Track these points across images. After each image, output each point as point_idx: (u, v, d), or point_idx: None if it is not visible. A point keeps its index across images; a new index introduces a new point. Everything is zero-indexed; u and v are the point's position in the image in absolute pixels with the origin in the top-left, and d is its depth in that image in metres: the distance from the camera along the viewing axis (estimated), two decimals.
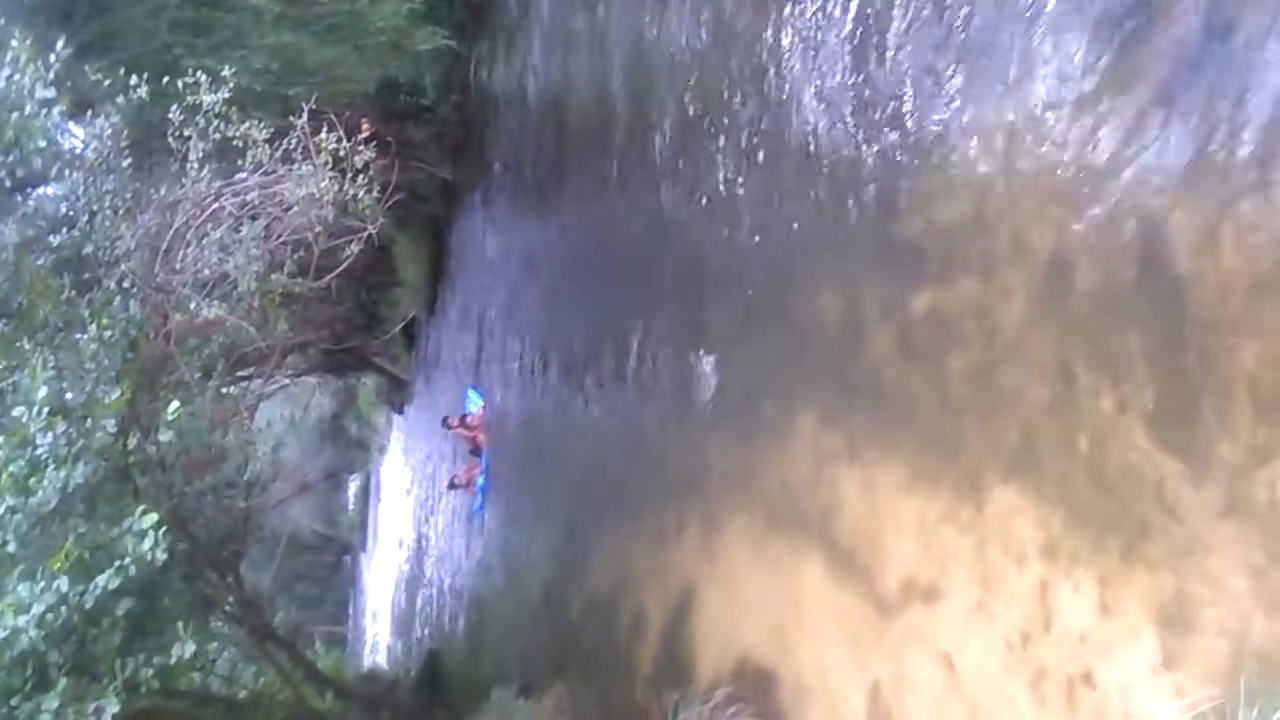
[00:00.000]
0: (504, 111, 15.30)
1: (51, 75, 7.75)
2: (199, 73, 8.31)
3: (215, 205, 8.61)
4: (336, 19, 13.02)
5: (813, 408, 6.20)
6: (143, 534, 6.42)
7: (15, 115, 7.63)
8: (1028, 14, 4.69)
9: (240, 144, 8.62)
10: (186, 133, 8.36)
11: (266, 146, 8.64)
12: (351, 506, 35.25)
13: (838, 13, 6.23)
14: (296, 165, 8.63)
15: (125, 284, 8.06)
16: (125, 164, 8.67)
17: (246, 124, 8.54)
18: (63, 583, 6.15)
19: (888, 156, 5.65)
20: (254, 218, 8.73)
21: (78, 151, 8.90)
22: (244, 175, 8.79)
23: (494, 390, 14.32)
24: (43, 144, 7.89)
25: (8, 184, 8.06)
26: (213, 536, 9.27)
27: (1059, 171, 4.43)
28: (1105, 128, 4.22)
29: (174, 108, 8.34)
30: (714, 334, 7.54)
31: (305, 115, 8.77)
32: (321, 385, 26.34)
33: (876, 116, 5.76)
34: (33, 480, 6.50)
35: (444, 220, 18.66)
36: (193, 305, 8.81)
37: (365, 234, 9.21)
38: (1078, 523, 4.18)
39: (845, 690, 5.56)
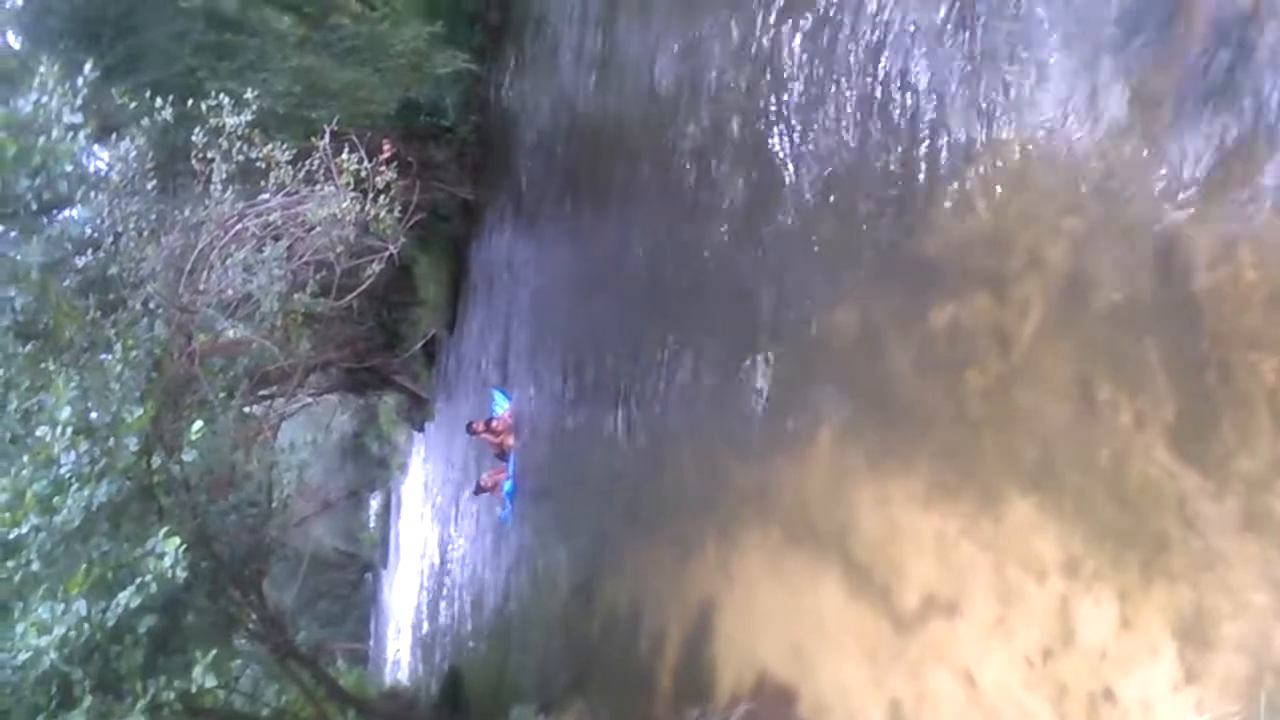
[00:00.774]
0: (524, 131, 15.39)
1: (79, 100, 7.87)
2: (222, 95, 8.46)
3: (238, 226, 8.74)
4: (358, 42, 13.22)
5: (830, 423, 6.19)
6: (164, 554, 6.47)
7: (43, 140, 7.74)
8: (1044, 26, 4.70)
9: (263, 165, 8.76)
10: (210, 155, 8.50)
11: (289, 168, 8.77)
12: (373, 524, 35.28)
13: (856, 31, 6.26)
14: (319, 186, 8.76)
15: (150, 305, 8.17)
16: (150, 186, 8.81)
17: (269, 146, 8.69)
18: (81, 605, 6.19)
19: (905, 172, 5.66)
20: (277, 238, 8.85)
21: (103, 174, 9.04)
22: (267, 196, 8.93)
23: (519, 400, 14.28)
24: (69, 168, 8.00)
25: (34, 207, 8.18)
26: (235, 555, 9.33)
27: (1076, 185, 4.42)
28: (1122, 140, 4.21)
29: (198, 130, 8.48)
30: (743, 348, 7.53)
31: (327, 137, 8.91)
32: (343, 403, 26.55)
33: (894, 131, 5.78)
34: (57, 499, 6.56)
35: (465, 239, 18.76)
36: (216, 325, 8.91)
37: (386, 253, 9.34)
38: (1097, 538, 4.15)
39: (865, 707, 5.52)
